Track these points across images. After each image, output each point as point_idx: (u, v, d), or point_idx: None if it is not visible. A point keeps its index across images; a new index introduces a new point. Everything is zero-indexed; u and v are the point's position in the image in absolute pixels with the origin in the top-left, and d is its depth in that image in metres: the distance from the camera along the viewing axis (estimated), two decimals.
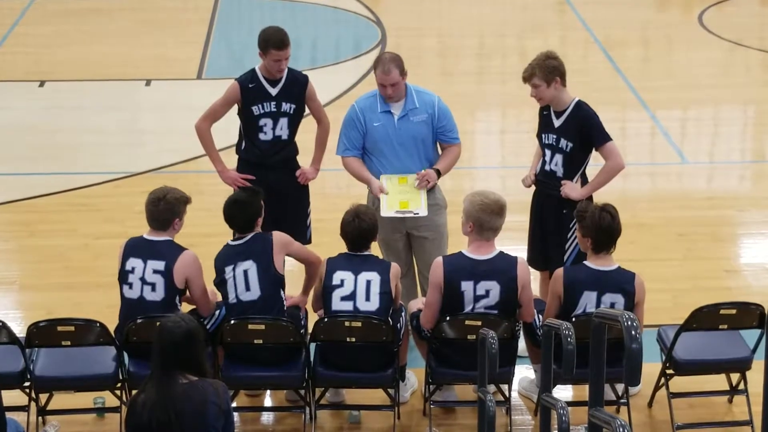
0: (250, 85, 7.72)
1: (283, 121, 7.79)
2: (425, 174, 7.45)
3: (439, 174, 7.54)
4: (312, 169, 8.03)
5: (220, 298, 7.16)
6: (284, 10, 17.27)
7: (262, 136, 7.79)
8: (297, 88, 7.81)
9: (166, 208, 6.92)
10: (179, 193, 7.05)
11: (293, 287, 7.35)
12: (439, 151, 7.75)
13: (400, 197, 7.48)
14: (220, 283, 6.95)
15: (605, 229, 6.77)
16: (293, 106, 7.80)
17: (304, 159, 8.06)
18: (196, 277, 6.93)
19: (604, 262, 6.83)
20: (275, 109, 7.75)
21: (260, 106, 7.72)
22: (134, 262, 6.90)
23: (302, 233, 7.81)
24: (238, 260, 6.91)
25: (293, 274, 7.20)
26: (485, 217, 6.77)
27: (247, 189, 7.29)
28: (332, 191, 10.62)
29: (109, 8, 16.71)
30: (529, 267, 7.31)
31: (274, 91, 7.73)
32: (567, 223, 7.41)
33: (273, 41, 7.60)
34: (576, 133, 7.40)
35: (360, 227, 6.93)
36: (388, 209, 7.43)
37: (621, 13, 16.52)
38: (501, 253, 6.86)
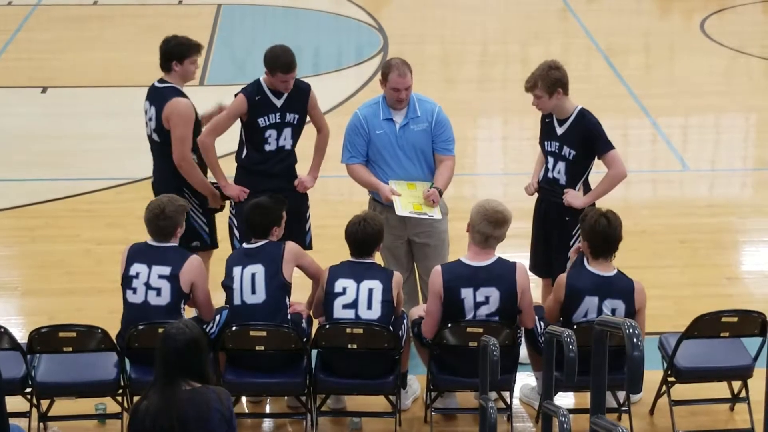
0: (257, 98, 7.69)
1: (287, 131, 7.79)
2: (429, 195, 7.46)
3: (440, 193, 7.55)
4: (310, 177, 8.01)
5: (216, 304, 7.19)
6: (286, 16, 17.29)
7: (267, 147, 7.78)
8: (300, 98, 7.79)
9: (166, 224, 6.96)
10: (175, 204, 7.06)
11: (299, 294, 7.35)
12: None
13: (412, 200, 7.51)
14: (227, 284, 6.97)
15: (600, 233, 6.79)
16: (297, 116, 7.79)
17: (302, 166, 8.05)
18: (201, 282, 6.96)
19: (604, 268, 6.85)
20: (280, 120, 7.74)
21: (266, 117, 7.71)
22: (138, 268, 6.92)
23: (302, 239, 7.81)
24: (248, 263, 6.94)
25: (298, 280, 7.20)
26: (477, 221, 6.82)
27: (274, 196, 7.31)
28: (335, 198, 10.64)
29: (112, 14, 16.73)
30: (531, 273, 7.35)
31: (279, 103, 7.73)
32: (570, 230, 7.41)
33: (281, 65, 7.56)
34: (579, 141, 7.41)
35: (365, 231, 6.94)
36: (402, 209, 7.45)
37: (623, 20, 16.55)
38: (500, 259, 6.88)
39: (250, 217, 7.08)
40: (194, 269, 6.92)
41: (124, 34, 15.80)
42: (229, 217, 7.97)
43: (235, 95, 7.78)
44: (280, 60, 7.58)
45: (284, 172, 7.88)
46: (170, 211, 6.98)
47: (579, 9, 17.00)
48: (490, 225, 6.81)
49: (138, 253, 6.99)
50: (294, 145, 7.87)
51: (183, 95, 7.85)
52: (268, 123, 7.72)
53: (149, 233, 7.03)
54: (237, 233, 7.91)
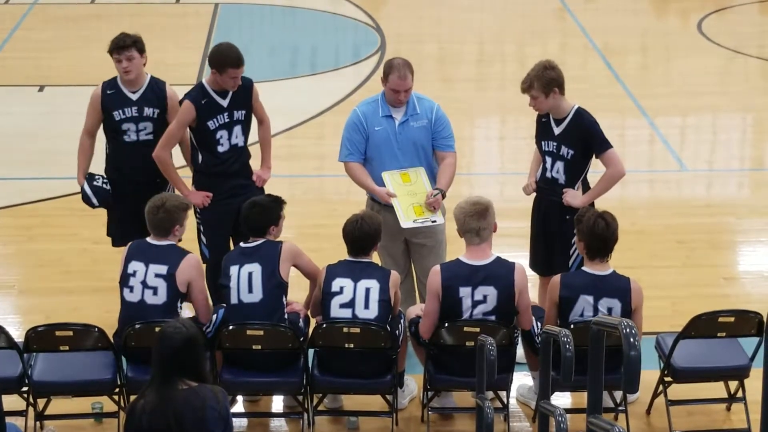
0: (203, 102, 7.68)
1: (237, 129, 7.79)
2: (433, 201, 7.45)
3: (443, 194, 7.53)
4: (265, 170, 8.06)
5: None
6: (284, 15, 17.29)
7: (220, 149, 7.77)
8: (244, 94, 7.80)
9: (164, 217, 6.96)
10: (178, 200, 7.08)
11: (296, 293, 7.34)
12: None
13: (411, 201, 7.48)
14: (224, 283, 6.97)
15: (598, 234, 6.80)
16: (243, 112, 7.80)
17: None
18: (197, 281, 6.96)
19: (599, 267, 6.86)
20: (228, 120, 7.74)
21: (215, 120, 7.70)
22: (136, 266, 6.91)
23: None
24: (245, 262, 6.94)
25: (295, 279, 7.20)
26: (462, 219, 6.85)
27: (272, 195, 7.33)
28: (332, 197, 10.63)
29: (109, 13, 16.72)
30: (530, 271, 7.35)
31: (225, 103, 7.72)
32: (570, 229, 7.39)
33: (230, 60, 7.57)
34: (577, 141, 7.41)
35: (362, 229, 6.93)
36: (406, 219, 7.44)
37: (620, 20, 16.55)
38: (498, 258, 6.88)
39: (247, 216, 7.09)
40: (190, 268, 6.91)
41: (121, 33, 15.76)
42: (197, 223, 7.95)
43: (180, 102, 7.78)
44: (229, 56, 7.59)
45: (241, 170, 7.90)
46: (170, 205, 6.99)
47: (576, 8, 16.99)
48: (474, 218, 6.82)
49: (137, 251, 6.99)
50: (246, 141, 7.89)
51: (103, 83, 8.06)
52: (218, 125, 7.71)
53: (148, 227, 7.03)
54: (204, 239, 7.92)
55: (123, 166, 8.03)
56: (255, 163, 8.07)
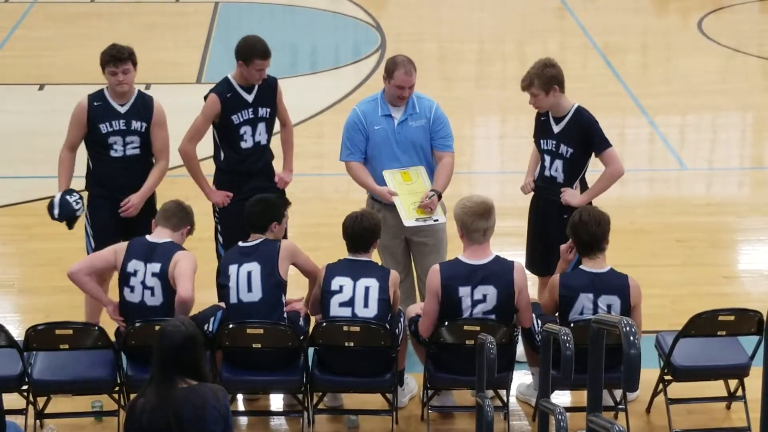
0: (228, 95, 7.69)
1: (261, 127, 7.80)
2: (428, 203, 7.44)
3: (439, 195, 7.53)
4: (287, 172, 8.06)
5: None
6: (284, 14, 17.28)
7: (243, 144, 7.77)
8: (270, 91, 7.82)
9: (181, 208, 7.01)
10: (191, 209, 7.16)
11: (295, 293, 7.34)
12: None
13: (413, 200, 7.48)
14: (223, 282, 6.96)
15: (580, 228, 6.82)
16: (268, 109, 7.81)
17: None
18: (184, 262, 6.82)
19: (596, 265, 6.87)
20: (253, 116, 7.75)
21: (239, 114, 7.70)
22: (136, 265, 6.90)
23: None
24: (243, 261, 6.93)
25: (294, 279, 7.20)
26: (468, 220, 6.81)
27: (278, 193, 7.32)
28: (332, 196, 10.62)
29: (109, 12, 16.72)
30: (528, 271, 7.34)
31: (250, 98, 7.73)
32: None
33: (258, 51, 7.58)
34: (577, 139, 7.41)
35: (362, 225, 6.94)
36: (408, 218, 7.44)
37: (620, 19, 16.54)
38: (497, 257, 6.88)
39: (250, 211, 7.07)
40: (178, 258, 6.85)
41: (121, 31, 15.75)
42: (215, 222, 7.94)
43: (205, 97, 7.76)
44: (257, 47, 7.61)
45: (264, 170, 7.90)
46: (189, 206, 7.10)
47: (576, 7, 16.99)
48: (483, 218, 6.81)
49: (138, 249, 6.96)
50: (269, 140, 7.90)
51: (89, 95, 7.87)
52: (242, 120, 7.72)
53: (157, 218, 7.08)
54: (221, 238, 7.92)
55: (107, 182, 7.79)
56: (277, 165, 8.05)
